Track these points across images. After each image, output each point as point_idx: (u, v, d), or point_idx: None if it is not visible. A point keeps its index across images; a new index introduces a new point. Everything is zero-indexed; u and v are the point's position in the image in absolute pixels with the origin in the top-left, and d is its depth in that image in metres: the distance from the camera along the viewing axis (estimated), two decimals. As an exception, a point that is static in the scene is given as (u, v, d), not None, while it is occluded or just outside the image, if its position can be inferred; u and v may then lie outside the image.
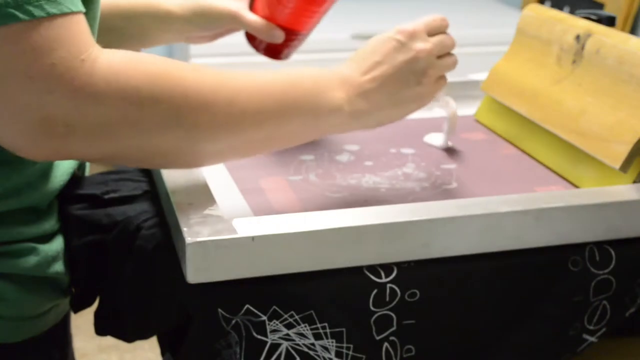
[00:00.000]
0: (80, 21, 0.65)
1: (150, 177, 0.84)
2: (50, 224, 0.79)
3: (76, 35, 0.64)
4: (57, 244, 0.79)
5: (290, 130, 0.75)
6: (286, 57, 1.03)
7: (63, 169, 0.80)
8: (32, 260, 0.76)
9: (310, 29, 1.00)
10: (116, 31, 0.98)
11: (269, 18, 0.97)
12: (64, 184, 0.80)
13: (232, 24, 0.99)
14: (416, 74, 0.79)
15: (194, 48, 2.03)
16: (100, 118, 0.64)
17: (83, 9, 0.65)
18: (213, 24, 1.00)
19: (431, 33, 0.81)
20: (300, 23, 0.98)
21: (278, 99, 0.73)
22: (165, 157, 0.69)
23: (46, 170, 0.78)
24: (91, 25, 0.75)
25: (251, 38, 1.01)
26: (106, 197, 0.80)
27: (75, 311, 0.84)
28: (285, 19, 0.97)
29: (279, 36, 0.97)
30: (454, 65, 0.83)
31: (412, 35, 0.80)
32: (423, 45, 0.80)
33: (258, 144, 0.74)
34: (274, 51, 1.01)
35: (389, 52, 0.79)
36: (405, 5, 2.55)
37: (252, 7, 1.00)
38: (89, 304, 0.82)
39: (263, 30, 0.97)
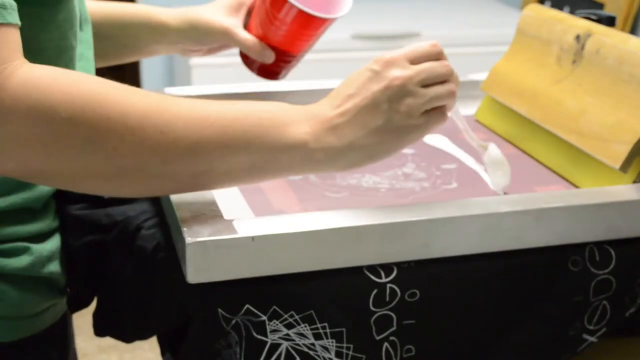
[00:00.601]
0: (5, 33, 0.62)
1: (150, 177, 0.84)
2: (46, 223, 0.78)
3: None
4: (52, 244, 0.79)
5: (238, 166, 0.68)
6: (280, 78, 1.02)
7: None
8: (25, 259, 0.76)
9: (305, 51, 0.99)
10: (110, 40, 0.98)
11: (262, 38, 0.97)
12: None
13: (224, 40, 0.99)
14: (392, 104, 0.70)
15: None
16: (6, 135, 0.61)
17: (12, 21, 0.63)
18: (206, 39, 1.00)
19: (416, 61, 0.73)
20: (294, 46, 0.97)
21: (223, 129, 0.66)
22: (89, 181, 0.66)
23: None
24: (69, 23, 0.75)
25: (244, 57, 1.01)
26: (106, 197, 0.80)
27: (72, 311, 0.84)
28: (278, 40, 0.96)
29: (269, 56, 0.97)
30: (449, 94, 0.73)
31: (389, 63, 0.71)
32: (400, 72, 0.71)
33: (197, 178, 0.68)
34: (267, 71, 1.00)
35: (363, 83, 0.71)
36: (406, 5, 2.56)
37: (247, 25, 1.00)
38: (86, 305, 0.82)
39: (254, 49, 0.97)
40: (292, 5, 0.92)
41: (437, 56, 0.74)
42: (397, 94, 0.71)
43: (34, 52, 0.68)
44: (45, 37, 0.73)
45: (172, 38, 1.00)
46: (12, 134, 0.62)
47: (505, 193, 0.86)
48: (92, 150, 0.63)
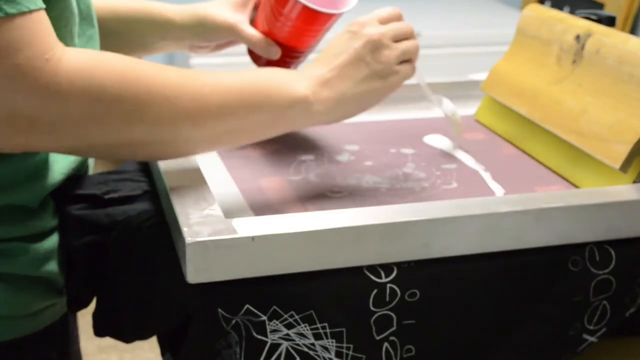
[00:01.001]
0: (42, 19, 0.67)
1: (151, 176, 0.84)
2: (43, 223, 0.78)
3: (39, 34, 0.66)
4: (49, 243, 0.78)
5: (255, 123, 0.77)
6: None
7: (57, 169, 0.80)
8: (22, 259, 0.76)
9: (312, 47, 0.99)
10: (115, 35, 0.98)
11: (267, 34, 0.96)
12: (57, 183, 0.80)
13: (230, 36, 0.99)
14: (374, 55, 0.82)
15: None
16: (64, 115, 0.67)
17: (42, 5, 0.67)
18: (212, 35, 1.00)
19: (384, 21, 0.84)
20: (300, 42, 0.96)
21: (241, 93, 0.75)
22: (130, 148, 0.72)
23: (36, 169, 0.77)
24: (63, 21, 0.76)
25: (252, 53, 1.00)
26: (107, 197, 0.80)
27: (72, 311, 0.83)
28: (284, 36, 0.96)
29: (275, 52, 0.97)
30: (415, 49, 0.85)
31: (363, 24, 0.83)
32: (374, 29, 0.83)
33: (223, 136, 0.76)
34: (274, 67, 1.00)
35: (344, 42, 0.83)
36: (406, 5, 2.55)
37: (253, 21, 0.99)
38: (86, 305, 0.82)
39: (260, 45, 0.97)
40: (297, 1, 0.91)
41: (399, 18, 0.86)
42: (375, 47, 0.82)
43: None
44: None
45: (178, 34, 1.00)
46: (69, 114, 0.67)
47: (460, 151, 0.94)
48: (137, 121, 0.70)
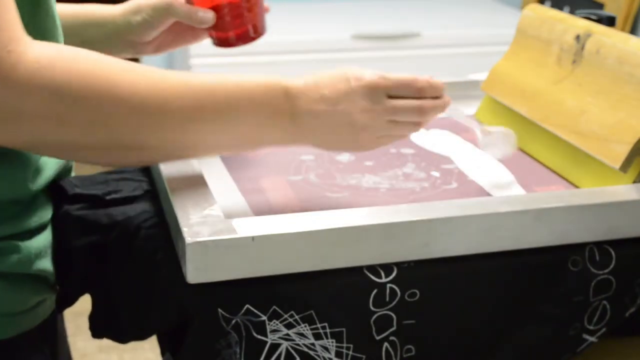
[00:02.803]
0: (9, 11, 0.65)
1: (151, 177, 0.84)
2: (34, 220, 0.78)
3: (3, 26, 0.65)
4: (40, 241, 0.78)
5: (223, 138, 0.74)
6: (238, 39, 0.97)
7: (49, 167, 0.80)
8: (12, 258, 0.75)
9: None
10: (69, 39, 0.97)
11: (197, 3, 0.95)
12: (48, 180, 0.79)
13: (166, 16, 0.97)
14: (354, 129, 0.77)
15: (193, 48, 2.02)
16: (19, 110, 0.65)
17: None
18: (148, 21, 0.98)
19: (398, 94, 0.78)
20: None
21: (217, 102, 0.72)
22: (92, 152, 0.71)
23: (22, 167, 0.76)
24: (42, 19, 0.75)
25: (209, 32, 0.98)
26: (107, 197, 0.80)
27: (59, 310, 0.83)
28: None
29: (209, 17, 0.95)
30: (405, 131, 0.79)
31: (370, 90, 0.77)
32: (370, 105, 0.77)
33: (191, 147, 0.73)
34: (222, 38, 0.97)
35: (339, 92, 0.76)
36: (406, 5, 2.56)
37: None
38: (71, 304, 0.82)
39: (192, 13, 0.95)
40: None
41: (420, 93, 0.79)
42: (359, 124, 0.77)
43: None
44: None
45: (116, 29, 0.99)
46: (25, 109, 0.66)
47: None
48: (99, 125, 0.68)
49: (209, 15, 0.95)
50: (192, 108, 0.72)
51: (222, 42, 0.97)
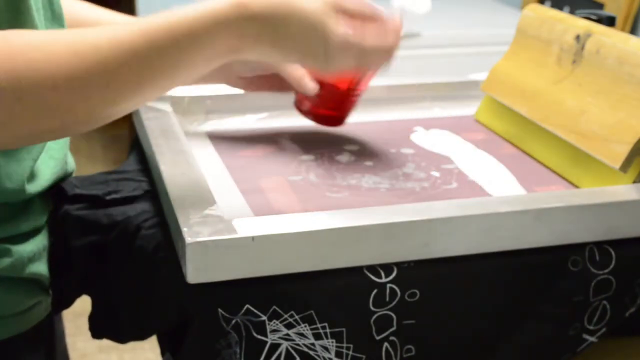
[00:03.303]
0: None
1: (151, 177, 0.84)
2: (28, 224, 0.77)
3: None
4: (34, 245, 0.78)
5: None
6: (321, 120, 0.99)
7: (45, 173, 0.79)
8: (5, 261, 0.75)
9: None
10: None
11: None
12: (45, 185, 0.79)
13: (272, 68, 0.94)
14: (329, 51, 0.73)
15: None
16: None
17: None
18: (254, 62, 0.93)
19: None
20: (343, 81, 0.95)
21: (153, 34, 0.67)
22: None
23: (15, 171, 0.76)
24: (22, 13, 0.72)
25: (299, 102, 0.99)
26: (107, 197, 0.80)
27: (56, 312, 0.83)
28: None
29: (313, 89, 0.94)
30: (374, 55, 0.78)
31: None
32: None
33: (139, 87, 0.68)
34: (310, 110, 0.98)
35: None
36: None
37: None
38: (68, 305, 0.82)
39: (301, 80, 0.93)
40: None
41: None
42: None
43: None
44: None
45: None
46: None
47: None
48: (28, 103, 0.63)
49: (314, 88, 0.94)
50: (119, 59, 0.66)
51: (306, 112, 0.99)
